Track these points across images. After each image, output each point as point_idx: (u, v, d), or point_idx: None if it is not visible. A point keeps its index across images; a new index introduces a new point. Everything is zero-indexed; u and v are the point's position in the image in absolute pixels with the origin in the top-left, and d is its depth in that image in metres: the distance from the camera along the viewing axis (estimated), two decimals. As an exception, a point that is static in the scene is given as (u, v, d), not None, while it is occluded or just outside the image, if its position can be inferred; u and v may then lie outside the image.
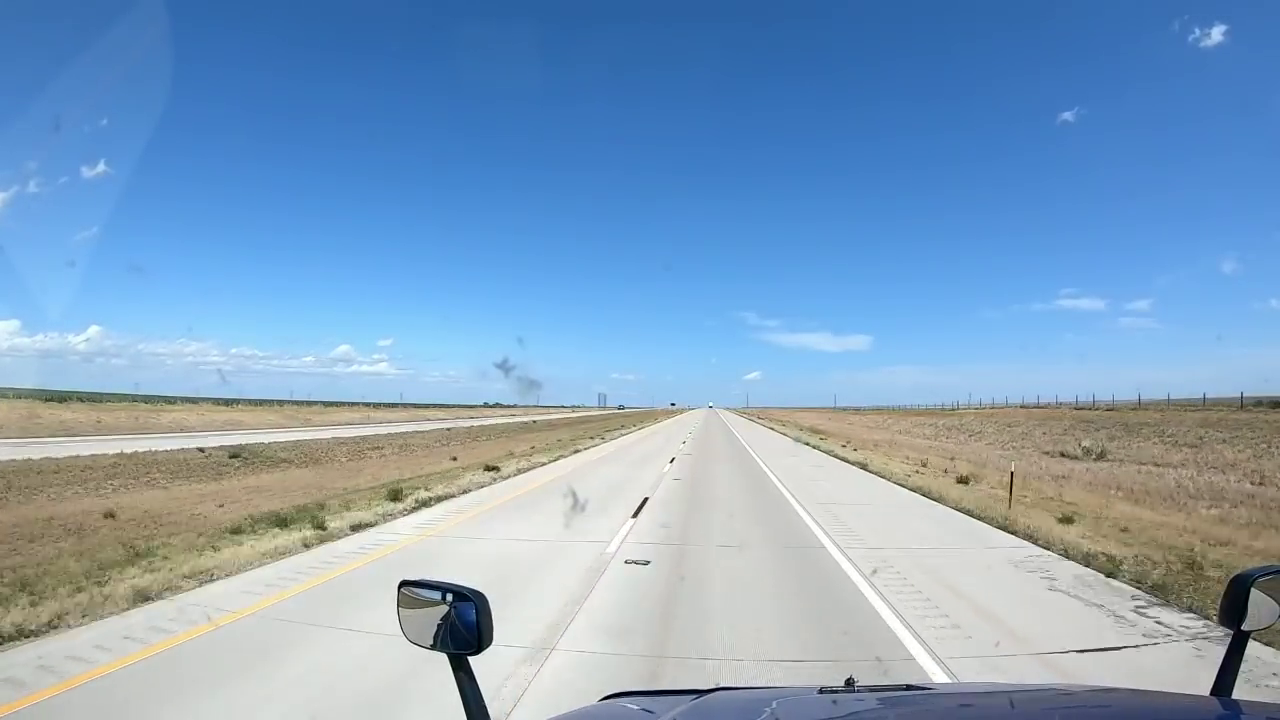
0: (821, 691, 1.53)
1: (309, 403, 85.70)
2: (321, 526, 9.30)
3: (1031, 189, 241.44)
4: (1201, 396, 42.98)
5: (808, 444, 31.75)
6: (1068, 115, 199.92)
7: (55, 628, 5.23)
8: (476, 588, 1.36)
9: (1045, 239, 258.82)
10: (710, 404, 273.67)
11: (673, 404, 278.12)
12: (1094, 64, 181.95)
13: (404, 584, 1.44)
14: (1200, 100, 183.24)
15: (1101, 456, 24.27)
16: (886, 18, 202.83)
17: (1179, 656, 4.89)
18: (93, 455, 18.90)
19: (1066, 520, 10.16)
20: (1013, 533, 9.56)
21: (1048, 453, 27.36)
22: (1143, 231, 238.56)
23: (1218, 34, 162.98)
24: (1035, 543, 8.86)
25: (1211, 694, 1.36)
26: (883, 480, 16.78)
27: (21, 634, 5.02)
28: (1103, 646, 5.05)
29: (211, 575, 6.85)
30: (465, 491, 13.84)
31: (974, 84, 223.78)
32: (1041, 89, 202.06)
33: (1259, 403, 36.91)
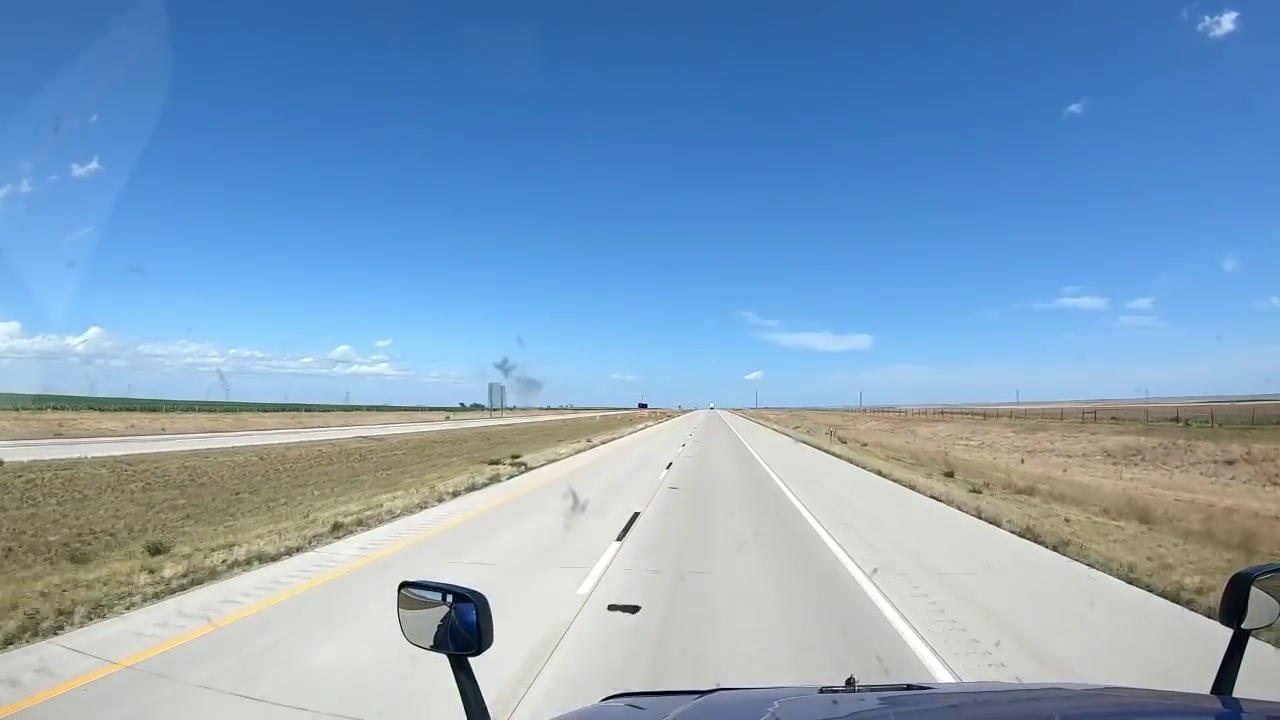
0: (822, 691, 1.52)
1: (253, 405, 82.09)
2: None
3: (1033, 187, 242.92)
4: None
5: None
6: (1075, 108, 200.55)
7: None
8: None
9: (1046, 237, 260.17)
10: (712, 405, 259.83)
11: (642, 404, 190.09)
12: (1099, 57, 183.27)
13: (404, 585, 1.44)
14: (1203, 95, 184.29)
15: None
16: (889, 14, 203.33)
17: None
18: None
19: None
20: None
21: None
22: (1144, 229, 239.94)
23: (1227, 22, 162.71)
24: None
25: (1211, 692, 1.36)
26: None
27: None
28: None
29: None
30: None
31: (976, 80, 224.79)
32: (1045, 83, 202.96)
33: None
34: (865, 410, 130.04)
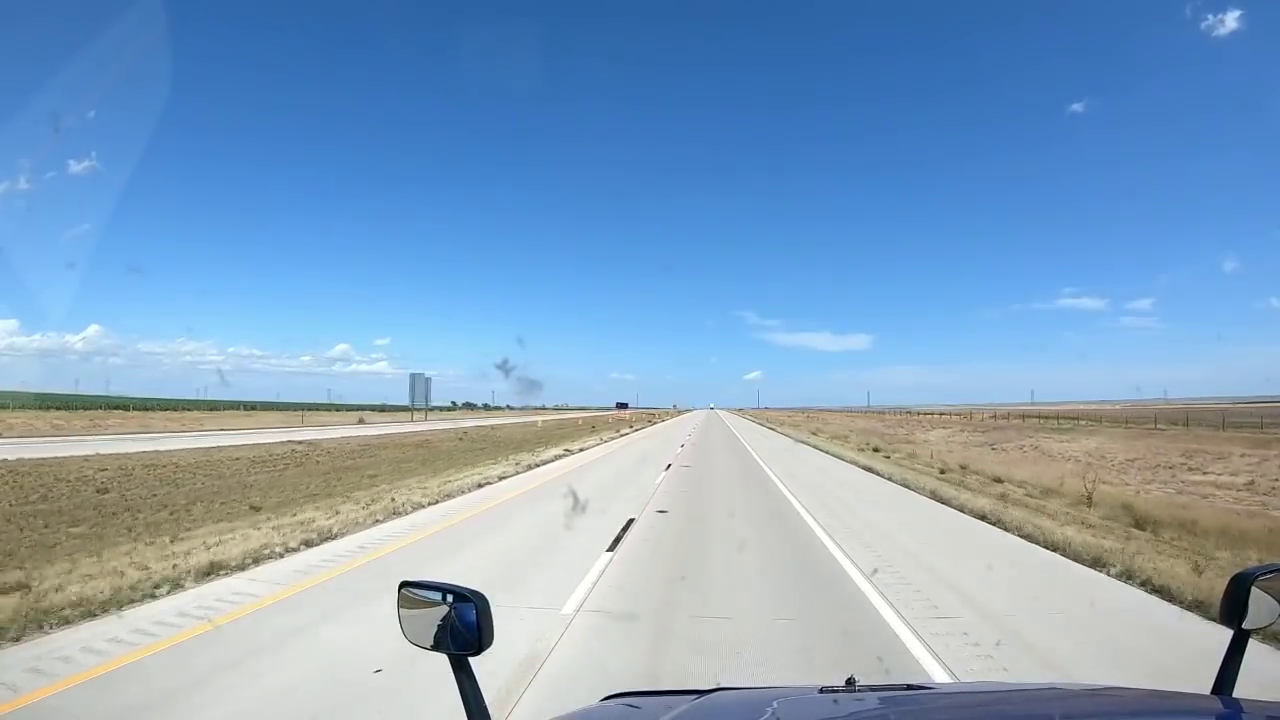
0: (822, 691, 1.51)
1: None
2: None
3: (1034, 186, 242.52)
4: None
5: None
6: (1077, 107, 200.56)
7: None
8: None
9: (1046, 237, 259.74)
10: (712, 405, 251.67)
11: (621, 404, 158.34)
12: (1101, 56, 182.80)
13: (404, 584, 1.44)
14: (1205, 95, 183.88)
15: None
16: (889, 13, 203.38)
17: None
18: None
19: None
20: None
21: None
22: (1145, 229, 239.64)
23: (1231, 21, 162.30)
24: None
25: (1212, 692, 1.36)
26: None
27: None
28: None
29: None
30: None
31: (978, 78, 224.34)
32: (1048, 82, 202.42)
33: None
34: (894, 413, 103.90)
